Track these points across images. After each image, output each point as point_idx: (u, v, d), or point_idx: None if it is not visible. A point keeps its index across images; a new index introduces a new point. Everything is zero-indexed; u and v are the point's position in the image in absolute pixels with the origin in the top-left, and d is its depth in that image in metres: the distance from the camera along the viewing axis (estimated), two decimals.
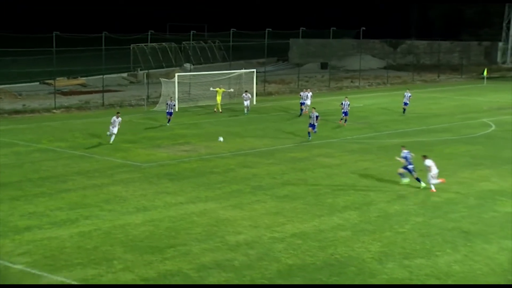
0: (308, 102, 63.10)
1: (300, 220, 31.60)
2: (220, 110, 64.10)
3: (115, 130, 48.60)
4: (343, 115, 57.49)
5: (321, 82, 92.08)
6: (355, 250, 27.66)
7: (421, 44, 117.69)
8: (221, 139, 48.49)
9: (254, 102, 69.84)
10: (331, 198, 35.24)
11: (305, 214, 32.53)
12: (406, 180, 37.76)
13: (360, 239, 29.03)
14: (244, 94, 65.09)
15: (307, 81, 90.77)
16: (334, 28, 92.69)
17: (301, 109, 63.39)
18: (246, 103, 64.30)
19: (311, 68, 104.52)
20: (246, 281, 24.42)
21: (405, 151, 37.86)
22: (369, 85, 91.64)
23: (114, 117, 49.00)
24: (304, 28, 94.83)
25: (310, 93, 65.18)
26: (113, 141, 48.29)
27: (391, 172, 40.79)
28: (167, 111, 57.13)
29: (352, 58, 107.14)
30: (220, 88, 65.52)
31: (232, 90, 68.70)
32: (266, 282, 24.36)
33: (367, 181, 38.97)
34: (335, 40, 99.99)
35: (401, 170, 38.05)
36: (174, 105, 58.65)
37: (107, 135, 48.60)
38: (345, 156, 45.80)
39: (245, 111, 64.10)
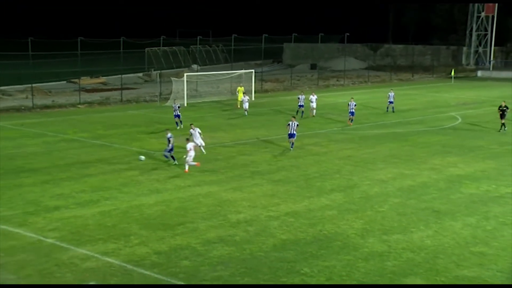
0: (314, 105, 57.69)
1: (293, 201, 31.52)
2: (239, 106, 63.68)
3: (199, 141, 41.76)
4: (350, 115, 53.25)
5: (311, 81, 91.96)
6: (341, 227, 27.59)
7: (398, 47, 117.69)
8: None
9: (253, 98, 69.70)
10: (320, 182, 35.15)
11: (297, 195, 32.45)
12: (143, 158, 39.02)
13: (344, 217, 28.97)
14: (243, 97, 60.41)
15: (298, 80, 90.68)
16: (322, 34, 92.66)
17: (301, 111, 57.59)
18: (245, 105, 59.46)
19: (302, 68, 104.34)
20: (246, 253, 24.34)
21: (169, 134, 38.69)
22: (352, 84, 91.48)
23: (191, 130, 42.06)
24: (296, 34, 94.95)
25: (315, 97, 58.45)
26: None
27: (372, 159, 40.79)
28: (175, 114, 52.09)
29: (337, 60, 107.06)
30: (241, 87, 65.27)
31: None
32: (263, 254, 24.28)
33: (350, 167, 38.87)
34: (322, 44, 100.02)
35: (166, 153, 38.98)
36: (179, 107, 52.46)
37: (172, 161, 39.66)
38: (331, 145, 45.69)
39: (245, 114, 59.07)
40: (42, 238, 25.90)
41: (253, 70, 73.17)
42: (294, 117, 44.22)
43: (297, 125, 42.83)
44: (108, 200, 31.35)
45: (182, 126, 51.24)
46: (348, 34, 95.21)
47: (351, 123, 53.38)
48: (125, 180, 34.93)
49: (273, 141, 46.48)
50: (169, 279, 22.06)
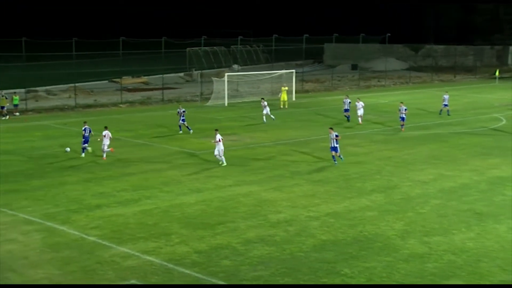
0: (361, 112, 53.81)
1: (333, 201, 31.44)
2: (286, 106, 63.63)
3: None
4: (401, 120, 50.60)
5: (352, 81, 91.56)
6: (381, 228, 27.44)
7: (439, 48, 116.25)
8: (67, 149, 41.33)
9: (293, 99, 69.66)
10: (360, 183, 35.01)
11: (337, 196, 32.36)
12: None
13: (385, 218, 28.80)
14: (262, 102, 56.12)
15: (339, 80, 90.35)
16: (363, 34, 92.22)
17: (346, 116, 55.42)
18: (266, 110, 54.93)
19: (343, 69, 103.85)
20: (286, 254, 24.34)
21: None
22: (393, 84, 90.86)
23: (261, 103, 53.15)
24: (337, 34, 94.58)
25: (361, 103, 54.15)
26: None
27: (412, 160, 40.49)
28: (180, 119, 49.64)
29: (378, 60, 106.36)
30: (284, 87, 65.24)
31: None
32: (303, 254, 24.26)
33: (391, 167, 38.63)
34: (363, 44, 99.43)
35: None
36: (184, 111, 49.87)
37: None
38: (372, 145, 45.46)
39: (264, 120, 54.71)
40: (84, 235, 26.21)
41: (293, 70, 73.08)
42: (331, 128, 39.68)
43: (337, 135, 38.70)
44: (149, 199, 31.58)
45: (191, 131, 49.46)
46: (389, 34, 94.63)
47: (402, 129, 50.59)
48: (166, 179, 35.15)
49: (313, 141, 46.37)
50: (209, 279, 22.14)
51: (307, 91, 79.45)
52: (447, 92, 62.73)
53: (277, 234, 26.54)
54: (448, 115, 59.27)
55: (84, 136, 40.83)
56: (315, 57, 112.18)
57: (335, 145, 38.62)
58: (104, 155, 40.07)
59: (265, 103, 55.41)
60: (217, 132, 38.16)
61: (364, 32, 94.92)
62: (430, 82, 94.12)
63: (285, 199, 31.72)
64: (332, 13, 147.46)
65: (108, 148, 40.31)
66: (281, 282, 21.97)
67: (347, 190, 33.55)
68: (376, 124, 54.65)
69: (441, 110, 60.16)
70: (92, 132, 41.18)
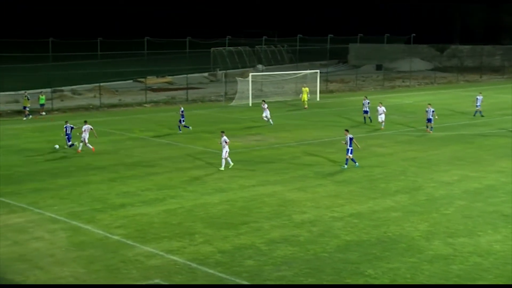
0: (382, 117, 51.51)
1: (357, 202, 31.36)
2: (306, 106, 63.58)
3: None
4: (428, 122, 49.59)
5: (376, 81, 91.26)
6: (405, 229, 27.33)
7: (465, 48, 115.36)
8: (56, 146, 42.93)
9: (318, 99, 69.62)
10: (384, 183, 34.89)
11: (361, 197, 32.27)
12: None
13: (409, 219, 28.67)
14: (262, 105, 54.33)
15: (363, 81, 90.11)
16: (388, 35, 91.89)
17: (364, 118, 54.63)
18: (266, 113, 53.34)
19: (367, 69, 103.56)
20: (310, 254, 24.32)
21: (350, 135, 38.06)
22: (418, 85, 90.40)
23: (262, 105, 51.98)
24: (361, 34, 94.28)
25: (383, 108, 51.91)
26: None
27: (436, 161, 40.29)
28: (180, 118, 50.08)
29: (403, 60, 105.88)
30: (305, 87, 65.19)
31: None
32: (326, 255, 24.23)
33: (415, 168, 38.46)
34: (388, 44, 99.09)
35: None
36: (183, 111, 50.14)
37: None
38: (396, 146, 45.29)
39: (266, 120, 53.54)
40: (109, 235, 26.36)
41: (318, 71, 73.00)
42: (347, 130, 39.32)
43: (351, 138, 38.07)
44: (173, 198, 31.69)
45: (190, 128, 50.11)
46: (414, 35, 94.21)
47: (431, 131, 49.67)
48: (190, 179, 35.26)
49: (337, 142, 46.24)
50: (233, 278, 22.17)
51: (331, 91, 79.31)
52: (480, 93, 61.76)
53: (301, 235, 26.53)
54: (482, 116, 58.42)
55: (66, 134, 42.21)
56: (340, 57, 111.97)
57: (350, 147, 38.12)
58: (80, 148, 41.92)
59: (266, 105, 53.89)
60: (223, 134, 37.71)
61: (389, 32, 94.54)
62: (455, 83, 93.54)
63: (309, 199, 31.70)
64: (357, 13, 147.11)
65: (88, 142, 41.87)
66: (305, 282, 21.96)
67: (371, 190, 33.46)
68: (400, 124, 54.41)
69: (475, 112, 58.95)
70: (74, 127, 42.81)
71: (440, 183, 34.91)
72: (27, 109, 57.15)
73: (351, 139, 38.06)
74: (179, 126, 49.95)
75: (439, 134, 49.49)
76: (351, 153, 38.10)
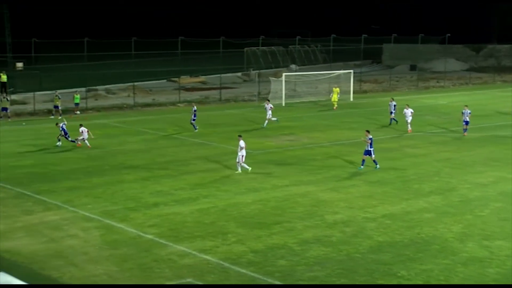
0: (409, 119, 50.16)
1: (390, 202, 31.22)
2: (335, 107, 63.32)
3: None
4: (464, 124, 48.68)
5: (410, 82, 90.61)
6: (439, 230, 27.15)
7: (503, 47, 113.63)
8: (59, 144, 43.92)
9: (351, 99, 69.39)
10: (417, 184, 34.68)
11: (394, 197, 32.12)
12: None
13: (443, 220, 28.47)
14: (265, 104, 53.86)
15: (397, 81, 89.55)
16: (422, 35, 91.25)
17: (391, 119, 53.67)
18: (269, 113, 52.53)
19: (401, 69, 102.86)
20: (342, 255, 24.27)
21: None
22: (452, 85, 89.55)
23: (265, 104, 52.90)
24: (396, 34, 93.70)
25: (411, 110, 50.53)
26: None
27: (471, 162, 39.95)
28: (192, 118, 50.27)
29: (437, 61, 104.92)
30: (336, 88, 64.98)
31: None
32: (359, 256, 24.16)
33: (449, 169, 38.18)
34: (422, 45, 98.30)
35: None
36: (195, 110, 50.59)
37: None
38: (430, 147, 44.99)
39: (265, 124, 52.42)
40: (142, 233, 26.54)
41: (351, 71, 72.72)
42: (368, 131, 38.73)
43: (371, 139, 37.72)
44: (206, 198, 31.79)
45: (197, 129, 50.01)
46: (449, 35, 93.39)
47: (465, 133, 48.65)
48: (224, 178, 35.35)
49: None
50: (265, 278, 22.20)
51: (365, 92, 78.96)
52: None
53: (333, 235, 26.48)
54: None
55: (64, 132, 44.03)
56: (374, 57, 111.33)
57: (369, 148, 37.57)
58: (79, 142, 43.74)
59: (270, 105, 53.15)
60: (241, 138, 36.68)
61: (423, 32, 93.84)
62: (491, 83, 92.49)
63: (342, 199, 31.62)
64: (392, 13, 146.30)
65: (82, 140, 43.72)
66: (337, 283, 21.92)
67: (404, 191, 33.28)
68: (434, 125, 54.01)
69: None
70: (66, 122, 44.84)
71: (475, 185, 34.59)
72: (59, 108, 57.63)
73: (370, 138, 37.68)
74: (193, 125, 50.21)
75: (474, 135, 48.96)
76: (373, 154, 37.65)
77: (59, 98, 57.74)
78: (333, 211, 29.78)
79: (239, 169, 36.55)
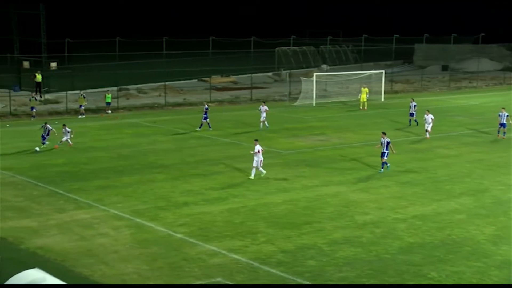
0: (429, 127, 47.65)
1: (420, 203, 31.04)
2: (365, 107, 63.00)
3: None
4: (500, 126, 47.56)
5: (442, 82, 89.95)
6: (470, 232, 26.93)
7: None
8: (37, 149, 42.23)
9: (382, 99, 69.08)
10: (449, 185, 34.43)
11: (424, 198, 31.93)
12: None
13: (475, 222, 28.24)
14: (261, 106, 51.71)
15: (429, 81, 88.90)
16: (455, 35, 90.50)
17: (409, 120, 53.06)
18: (263, 116, 51.06)
19: (433, 70, 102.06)
20: (372, 255, 24.19)
21: None
22: (485, 86, 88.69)
23: (261, 106, 51.20)
24: (427, 34, 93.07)
25: (431, 116, 47.86)
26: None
27: (504, 163, 39.56)
28: (204, 116, 50.37)
29: (470, 61, 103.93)
30: (364, 88, 64.69)
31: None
32: (389, 256, 24.05)
33: (481, 170, 37.86)
34: (455, 45, 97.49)
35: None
36: (207, 109, 50.85)
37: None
38: (462, 148, 44.63)
39: (260, 126, 51.25)
40: (172, 232, 26.66)
41: (383, 71, 72.38)
42: (384, 133, 37.97)
43: (388, 142, 37.07)
44: (236, 197, 31.85)
45: (209, 128, 50.15)
46: (483, 34, 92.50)
47: (504, 136, 47.53)
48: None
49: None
50: (294, 278, 22.19)
51: (396, 92, 78.52)
52: None
53: (363, 236, 26.39)
54: None
55: (45, 134, 42.87)
56: (405, 57, 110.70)
57: (385, 150, 37.05)
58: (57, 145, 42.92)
59: (265, 107, 51.30)
60: (257, 143, 35.62)
61: (456, 32, 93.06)
62: None
63: (372, 200, 31.50)
64: (423, 12, 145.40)
65: (63, 141, 43.17)
66: (367, 283, 21.85)
67: (435, 192, 33.06)
68: (466, 126, 53.57)
69: None
70: (53, 129, 43.28)
71: (508, 186, 34.25)
72: (83, 107, 57.72)
73: (388, 142, 37.05)
74: (208, 124, 50.29)
75: (507, 135, 48.39)
76: (386, 157, 37.06)
77: (84, 98, 58.03)
78: (363, 211, 29.68)
79: (252, 175, 35.20)
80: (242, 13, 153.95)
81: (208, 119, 50.42)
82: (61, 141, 43.15)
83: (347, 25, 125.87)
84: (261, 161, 35.34)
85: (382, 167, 37.38)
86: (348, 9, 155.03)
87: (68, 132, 43.30)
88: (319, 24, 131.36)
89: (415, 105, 53.04)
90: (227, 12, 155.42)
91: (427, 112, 48.15)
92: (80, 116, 57.08)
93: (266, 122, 51.14)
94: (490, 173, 37.22)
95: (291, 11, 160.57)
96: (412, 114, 52.99)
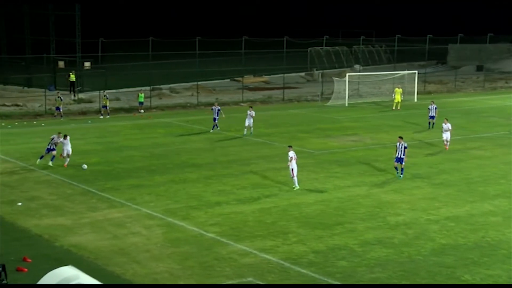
0: (447, 135, 43.53)
1: (454, 205, 30.80)
2: (398, 107, 62.69)
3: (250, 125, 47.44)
4: None
5: (476, 83, 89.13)
6: (506, 235, 26.63)
7: None
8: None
9: (415, 100, 68.66)
10: (483, 187, 34.11)
11: (458, 200, 31.67)
12: None
13: (510, 225, 27.91)
14: (248, 111, 48.91)
15: (463, 82, 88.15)
16: (491, 34, 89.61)
17: (429, 123, 51.46)
18: (248, 122, 48.22)
19: (467, 70, 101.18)
20: (404, 257, 24.06)
21: None
22: None
23: (248, 111, 48.05)
24: (462, 34, 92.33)
25: (449, 125, 43.69)
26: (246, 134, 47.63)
27: None
28: (214, 116, 49.66)
29: (507, 61, 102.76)
30: (398, 88, 64.34)
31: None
32: (421, 258, 23.91)
33: None
34: (491, 44, 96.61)
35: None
36: (219, 110, 49.81)
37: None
38: (497, 149, 44.17)
39: (244, 132, 48.44)
40: (203, 232, 26.75)
41: (416, 71, 71.94)
42: (401, 137, 36.58)
43: (406, 147, 35.75)
44: (268, 197, 31.87)
45: (218, 128, 49.69)
46: None
47: None
48: (285, 178, 35.30)
49: (436, 144, 45.48)
50: (325, 279, 22.16)
51: (429, 93, 77.95)
52: None
53: (395, 237, 26.26)
54: None
55: (51, 145, 37.83)
56: (439, 58, 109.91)
57: (402, 155, 35.54)
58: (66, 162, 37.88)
59: (253, 112, 48.31)
60: (291, 149, 33.81)
61: (493, 31, 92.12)
62: None
63: (405, 201, 31.33)
64: (458, 12, 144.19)
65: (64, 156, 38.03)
66: (398, 284, 21.72)
67: (469, 194, 32.77)
68: (502, 127, 53.04)
69: None
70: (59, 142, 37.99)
71: None
72: (107, 108, 57.66)
73: (405, 147, 35.68)
74: (216, 124, 49.77)
75: None
76: (402, 162, 35.56)
77: (107, 98, 58.01)
78: (395, 212, 29.53)
79: (296, 183, 33.47)
80: (275, 13, 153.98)
81: (217, 120, 49.63)
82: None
83: (380, 25, 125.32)
84: (293, 170, 33.35)
85: (398, 173, 35.95)
86: (382, 9, 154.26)
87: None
88: (352, 24, 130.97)
89: (435, 108, 51.45)
90: (260, 12, 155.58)
91: (445, 121, 44.03)
92: (101, 117, 56.88)
93: (252, 129, 48.31)
94: None
95: (323, 11, 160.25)
96: (432, 117, 51.24)
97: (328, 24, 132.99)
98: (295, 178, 33.43)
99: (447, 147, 43.47)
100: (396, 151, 35.92)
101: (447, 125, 43.49)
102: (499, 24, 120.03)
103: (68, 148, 38.07)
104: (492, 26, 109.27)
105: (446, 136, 43.45)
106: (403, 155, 35.65)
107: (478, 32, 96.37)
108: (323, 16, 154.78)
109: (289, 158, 33.47)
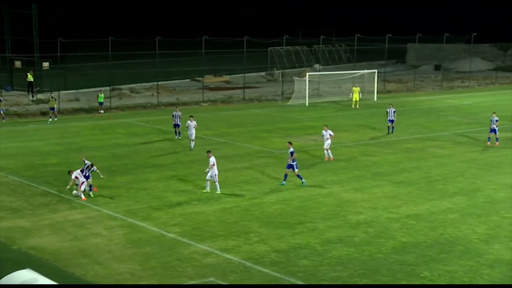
0: (328, 143, 40.08)
1: (414, 203, 31.09)
2: (358, 106, 63.18)
3: (192, 136, 42.85)
4: (491, 132, 44.88)
5: (435, 82, 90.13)
6: (463, 231, 26.98)
7: None
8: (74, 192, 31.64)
9: (375, 99, 69.17)
10: (442, 185, 34.49)
11: (418, 198, 31.98)
12: None
13: (467, 221, 28.30)
14: (189, 121, 43.35)
15: (422, 81, 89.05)
16: (447, 34, 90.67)
17: (388, 127, 49.38)
18: (191, 133, 43.09)
19: (426, 69, 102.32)
20: (365, 255, 24.22)
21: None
22: (478, 85, 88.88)
23: (189, 121, 43.14)
24: (420, 34, 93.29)
25: (330, 132, 40.31)
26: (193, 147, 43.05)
27: (497, 163, 39.63)
28: (174, 123, 46.40)
29: (463, 60, 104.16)
30: (356, 87, 64.84)
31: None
32: (382, 256, 24.09)
33: (474, 170, 37.92)
34: (448, 44, 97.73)
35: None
36: (180, 116, 46.35)
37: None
38: (455, 147, 44.70)
39: (191, 146, 43.16)
40: (165, 232, 26.64)
41: (375, 71, 72.46)
42: (290, 142, 34.62)
43: (292, 152, 33.66)
44: (229, 197, 31.84)
45: (180, 136, 46.36)
46: (475, 34, 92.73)
47: (497, 143, 44.97)
48: (246, 178, 35.37)
49: (395, 142, 45.91)
50: (287, 278, 22.20)
51: (389, 92, 78.65)
52: None
53: (356, 235, 26.42)
54: None
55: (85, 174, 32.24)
56: (398, 57, 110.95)
57: (292, 162, 33.65)
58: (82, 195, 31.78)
59: (194, 123, 43.27)
60: (210, 155, 32.94)
61: (449, 32, 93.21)
62: None
63: (365, 200, 31.54)
64: (416, 12, 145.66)
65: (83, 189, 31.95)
66: (360, 283, 21.87)
67: (428, 192, 33.12)
68: (459, 125, 53.69)
69: None
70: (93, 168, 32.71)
71: (501, 186, 34.32)
72: (54, 110, 56.10)
73: (291, 152, 33.75)
74: (175, 132, 46.73)
75: (500, 135, 48.38)
76: (296, 168, 33.76)
77: (55, 100, 56.87)
78: (356, 211, 29.72)
79: (218, 188, 32.40)
80: (235, 13, 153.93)
81: (179, 127, 46.28)
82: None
83: (340, 25, 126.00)
84: (216, 175, 32.38)
85: (303, 180, 34.01)
86: (341, 9, 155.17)
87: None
88: (312, 24, 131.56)
89: (394, 111, 49.66)
90: (220, 12, 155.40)
91: (325, 127, 40.77)
92: (49, 119, 55.12)
93: (192, 143, 43.17)
94: (483, 172, 37.30)
95: (283, 11, 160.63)
96: (391, 121, 49.34)
97: (288, 23, 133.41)
98: (217, 184, 32.40)
99: (327, 157, 40.18)
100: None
101: (328, 132, 40.08)
102: (456, 25, 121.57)
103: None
104: (449, 26, 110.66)
105: (327, 143, 40.04)
106: (294, 161, 33.72)
107: (436, 32, 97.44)
108: (282, 16, 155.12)
109: (210, 164, 32.30)
